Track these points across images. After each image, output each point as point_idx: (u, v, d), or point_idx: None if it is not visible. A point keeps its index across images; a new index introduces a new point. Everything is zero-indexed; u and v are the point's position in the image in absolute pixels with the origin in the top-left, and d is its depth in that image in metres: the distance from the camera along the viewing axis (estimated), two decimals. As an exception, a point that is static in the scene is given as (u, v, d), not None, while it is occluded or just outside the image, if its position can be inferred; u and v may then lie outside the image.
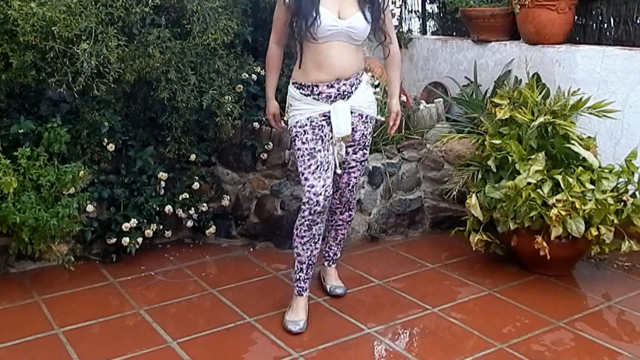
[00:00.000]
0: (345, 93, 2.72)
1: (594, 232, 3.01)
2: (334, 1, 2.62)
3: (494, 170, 3.30)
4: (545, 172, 3.08)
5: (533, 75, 3.75)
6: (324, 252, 3.15)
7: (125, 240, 3.33)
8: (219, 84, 3.30)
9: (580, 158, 3.16)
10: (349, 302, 3.05)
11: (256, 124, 3.53)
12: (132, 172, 3.42)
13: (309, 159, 2.70)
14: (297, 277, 2.83)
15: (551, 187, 3.04)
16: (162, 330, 2.78)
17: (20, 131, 3.05)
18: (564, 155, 3.20)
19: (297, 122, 2.72)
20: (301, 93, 2.72)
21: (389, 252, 3.65)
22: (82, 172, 3.09)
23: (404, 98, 4.01)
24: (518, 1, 3.86)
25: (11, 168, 2.88)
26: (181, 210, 3.53)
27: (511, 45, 4.10)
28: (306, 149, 2.71)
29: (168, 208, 3.48)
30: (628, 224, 3.11)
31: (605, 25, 3.86)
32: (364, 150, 2.86)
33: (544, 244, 3.03)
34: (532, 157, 3.14)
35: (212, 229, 3.66)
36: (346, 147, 2.79)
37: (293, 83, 2.76)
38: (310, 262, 2.81)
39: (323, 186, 2.70)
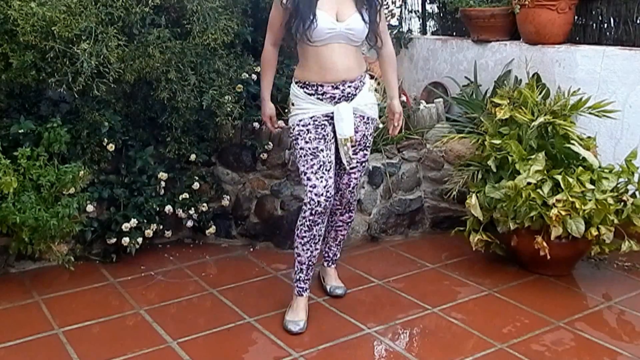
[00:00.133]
0: (349, 95, 2.72)
1: (594, 232, 3.01)
2: (332, 3, 2.62)
3: (494, 170, 3.30)
4: (545, 172, 3.08)
5: (533, 75, 3.75)
6: (323, 253, 3.15)
7: (125, 240, 3.33)
8: (219, 84, 3.30)
9: (580, 158, 3.16)
10: (349, 302, 3.05)
11: (256, 124, 3.53)
12: (132, 172, 3.42)
13: (311, 159, 2.70)
14: (297, 277, 2.83)
15: (551, 187, 3.04)
16: (162, 330, 2.78)
17: (20, 131, 3.05)
18: (564, 155, 3.20)
19: (300, 121, 2.72)
20: (305, 92, 2.72)
21: (389, 252, 3.65)
22: (82, 172, 3.09)
23: (404, 98, 4.01)
24: (518, 1, 3.86)
25: (11, 168, 2.88)
26: (181, 210, 3.53)
27: (511, 45, 4.10)
28: (309, 149, 2.70)
29: (168, 208, 3.48)
30: (628, 224, 3.11)
31: (605, 25, 3.86)
32: (365, 151, 2.86)
33: (544, 244, 3.03)
34: (532, 157, 3.14)
35: (212, 229, 3.66)
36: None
37: (297, 82, 2.76)
38: (310, 262, 2.81)
39: (325, 187, 2.69)
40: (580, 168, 3.11)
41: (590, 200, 2.99)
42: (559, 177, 3.03)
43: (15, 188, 2.86)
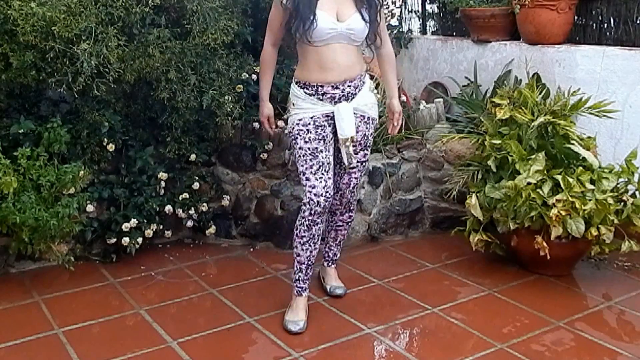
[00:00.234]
0: (349, 95, 2.72)
1: (594, 232, 3.01)
2: (332, 3, 2.62)
3: (494, 170, 3.30)
4: (545, 172, 3.08)
5: (533, 75, 3.75)
6: (323, 253, 3.15)
7: (125, 240, 3.33)
8: (219, 84, 3.30)
9: (580, 158, 3.16)
10: (349, 302, 3.05)
11: (256, 124, 3.53)
12: (132, 172, 3.42)
13: (311, 159, 2.70)
14: (297, 277, 2.83)
15: (551, 187, 3.04)
16: (162, 330, 2.78)
17: (20, 131, 3.05)
18: (564, 155, 3.20)
19: (300, 120, 2.72)
20: (305, 92, 2.72)
21: (389, 252, 3.65)
22: (82, 172, 3.09)
23: (404, 98, 4.01)
24: (518, 1, 3.86)
25: (11, 168, 2.88)
26: (181, 210, 3.53)
27: (511, 45, 4.10)
28: (308, 149, 2.70)
29: (168, 208, 3.48)
30: (628, 224, 3.11)
31: (605, 25, 3.86)
32: (365, 151, 2.86)
33: (544, 244, 3.03)
34: (532, 157, 3.14)
35: (212, 229, 3.66)
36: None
37: (297, 82, 2.76)
38: (309, 262, 2.81)
39: (324, 187, 2.69)
40: (580, 168, 3.11)
41: (590, 200, 2.99)
42: (559, 177, 3.03)
43: (15, 188, 2.86)
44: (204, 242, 3.74)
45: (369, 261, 3.52)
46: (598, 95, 3.55)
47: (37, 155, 3.03)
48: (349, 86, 2.71)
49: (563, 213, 2.94)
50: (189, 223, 3.59)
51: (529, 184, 3.03)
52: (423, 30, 5.23)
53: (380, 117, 3.21)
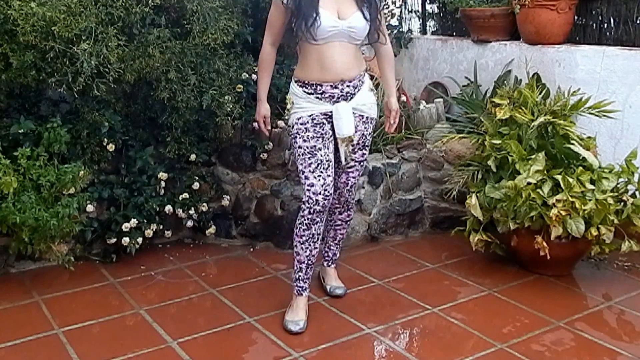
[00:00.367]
0: (348, 95, 2.72)
1: (594, 232, 3.01)
2: (333, 2, 2.62)
3: (494, 170, 3.30)
4: (545, 172, 3.08)
5: (533, 75, 3.75)
6: (323, 253, 3.15)
7: (125, 240, 3.33)
8: (219, 84, 3.29)
9: (580, 158, 3.16)
10: (349, 302, 3.05)
11: (256, 124, 3.52)
12: (132, 172, 3.42)
13: (309, 157, 2.70)
14: (297, 276, 2.83)
15: (551, 187, 3.04)
16: (162, 330, 2.78)
17: (20, 131, 3.05)
18: (564, 155, 3.20)
19: (298, 119, 2.72)
20: (304, 91, 2.72)
21: (389, 252, 3.65)
22: (82, 172, 3.08)
23: (404, 98, 4.01)
24: (518, 1, 3.86)
25: (11, 168, 2.88)
26: (181, 210, 3.53)
27: (511, 45, 4.10)
28: (307, 147, 2.70)
29: (168, 208, 3.48)
30: (628, 224, 3.11)
31: (605, 25, 3.86)
32: (363, 151, 2.86)
33: (544, 244, 3.03)
34: (532, 157, 3.14)
35: (212, 229, 3.66)
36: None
37: (296, 81, 2.76)
38: (309, 261, 2.81)
39: (323, 185, 2.69)
40: (580, 168, 3.11)
41: (590, 200, 2.99)
42: (559, 177, 3.03)
43: (15, 188, 2.86)
44: (204, 242, 3.74)
45: (369, 261, 3.52)
46: (598, 95, 3.55)
47: (37, 155, 3.03)
48: (348, 86, 2.71)
49: (563, 213, 2.94)
50: (189, 223, 3.59)
51: (529, 184, 3.03)
52: (423, 30, 5.23)
53: (380, 117, 3.22)
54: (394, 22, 5.17)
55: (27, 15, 2.76)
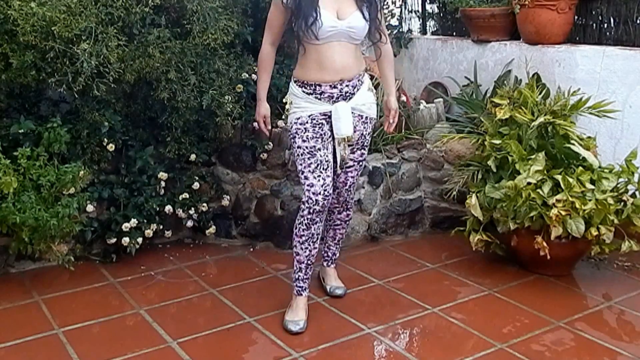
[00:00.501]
0: (347, 94, 2.72)
1: (594, 232, 3.01)
2: (332, 1, 2.62)
3: (494, 170, 3.30)
4: (545, 172, 3.08)
5: (533, 75, 3.75)
6: (323, 253, 3.15)
7: (125, 240, 3.33)
8: (219, 84, 3.30)
9: (580, 158, 3.16)
10: (349, 302, 3.05)
11: (256, 124, 3.53)
12: (132, 172, 3.42)
13: (309, 158, 2.70)
14: (297, 276, 2.83)
15: (551, 187, 3.04)
16: (162, 330, 2.78)
17: (20, 131, 3.05)
18: (564, 155, 3.20)
19: (297, 119, 2.72)
20: (303, 91, 2.72)
21: (389, 252, 3.65)
22: (82, 172, 3.09)
23: (404, 98, 4.01)
24: (518, 1, 3.86)
25: (11, 168, 2.88)
26: (181, 210, 3.53)
27: (511, 45, 4.10)
28: (306, 147, 2.70)
29: (168, 208, 3.48)
30: (628, 224, 3.11)
31: (605, 25, 3.86)
32: (362, 150, 2.86)
33: (544, 244, 3.03)
34: (532, 157, 3.14)
35: (212, 229, 3.66)
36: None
37: (295, 81, 2.76)
38: (309, 261, 2.81)
39: (322, 185, 2.69)
40: (580, 168, 3.11)
41: (590, 200, 2.99)
42: (559, 177, 3.03)
43: (15, 188, 2.86)
44: (204, 242, 3.74)
45: (369, 261, 3.52)
46: (598, 95, 3.55)
47: (37, 155, 3.03)
48: (347, 86, 2.71)
49: (563, 213, 2.94)
50: (189, 223, 3.59)
51: (529, 184, 3.03)
52: (423, 30, 5.23)
53: (380, 116, 3.22)
54: (394, 22, 5.17)
55: (27, 15, 2.76)
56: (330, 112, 2.71)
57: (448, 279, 3.31)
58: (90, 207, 3.27)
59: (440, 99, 4.16)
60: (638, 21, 3.70)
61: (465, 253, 3.52)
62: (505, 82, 4.00)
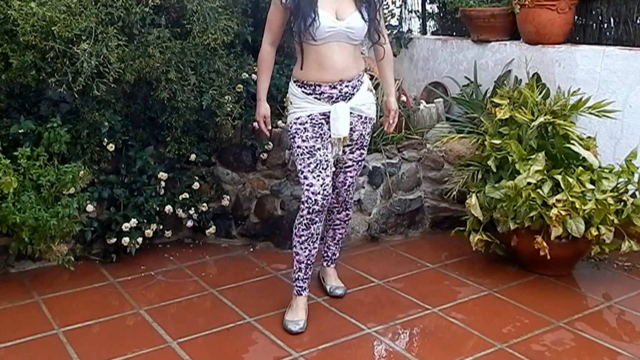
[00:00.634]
0: (347, 95, 2.72)
1: (594, 232, 3.01)
2: (331, 2, 2.62)
3: (494, 170, 3.30)
4: (545, 172, 3.08)
5: (533, 75, 3.75)
6: (322, 253, 3.15)
7: (125, 240, 3.33)
8: (219, 84, 3.30)
9: (580, 158, 3.16)
10: (349, 302, 3.05)
11: (256, 124, 3.52)
12: (132, 172, 3.43)
13: (308, 157, 2.70)
14: (296, 276, 2.84)
15: (551, 187, 3.04)
16: (162, 330, 2.78)
17: (20, 131, 3.05)
18: (564, 155, 3.20)
19: (297, 119, 2.72)
20: (303, 92, 2.72)
21: (389, 252, 3.65)
22: (82, 172, 3.09)
23: (404, 98, 4.01)
24: (518, 1, 3.86)
25: (11, 168, 2.88)
26: (181, 210, 3.53)
27: (511, 45, 4.10)
28: (306, 147, 2.70)
29: (168, 208, 3.48)
30: (628, 224, 3.11)
31: (605, 25, 3.86)
32: (362, 150, 2.86)
33: (544, 244, 3.03)
34: (532, 157, 3.14)
35: (212, 229, 3.66)
36: (344, 147, 2.80)
37: (295, 81, 2.76)
38: (308, 261, 2.81)
39: (322, 185, 2.69)
40: (580, 168, 3.11)
41: (590, 200, 2.99)
42: (559, 177, 3.03)
43: (15, 188, 2.86)
44: (204, 242, 3.74)
45: (369, 261, 3.52)
46: (598, 95, 3.55)
47: (37, 155, 3.03)
48: (346, 86, 2.71)
49: (563, 213, 2.94)
50: (189, 223, 3.59)
51: (529, 184, 3.03)
52: (423, 30, 5.23)
53: (380, 117, 3.22)
54: (394, 22, 5.17)
55: (27, 15, 2.76)
56: (330, 112, 2.71)
57: (448, 279, 3.31)
58: (90, 207, 3.27)
59: (440, 99, 4.16)
60: (638, 21, 3.70)
61: (465, 253, 3.52)
62: (505, 82, 4.00)
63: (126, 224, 3.32)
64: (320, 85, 2.69)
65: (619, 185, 3.12)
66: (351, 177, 2.90)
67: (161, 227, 3.52)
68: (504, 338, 2.71)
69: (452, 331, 2.79)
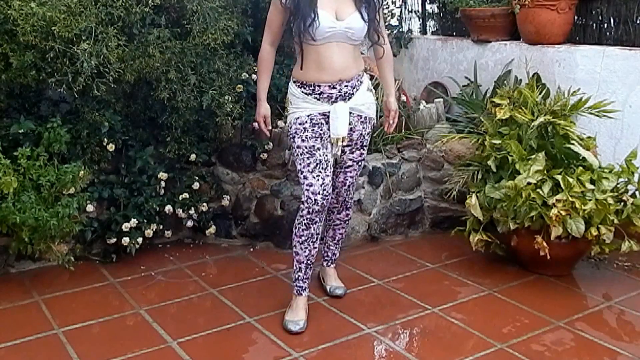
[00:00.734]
0: (347, 95, 2.72)
1: (594, 232, 3.01)
2: (331, 2, 2.62)
3: (494, 170, 3.30)
4: (545, 172, 3.08)
5: (533, 75, 3.75)
6: (322, 253, 3.15)
7: (125, 240, 3.33)
8: (219, 84, 3.30)
9: (580, 158, 3.16)
10: (349, 302, 3.05)
11: (256, 124, 3.52)
12: (132, 172, 3.43)
13: (308, 157, 2.70)
14: (296, 276, 2.84)
15: (551, 187, 3.04)
16: (162, 330, 2.78)
17: (20, 131, 3.05)
18: (564, 155, 3.20)
19: (297, 119, 2.72)
20: (302, 92, 2.72)
21: (389, 252, 3.65)
22: (82, 172, 3.09)
23: (404, 98, 4.01)
24: (518, 1, 3.86)
25: (11, 168, 2.88)
26: (181, 210, 3.53)
27: (511, 45, 4.10)
28: (305, 147, 2.70)
29: (168, 208, 3.48)
30: (628, 224, 3.11)
31: (605, 25, 3.86)
32: (361, 150, 2.86)
33: (544, 244, 3.03)
34: (532, 157, 3.14)
35: (212, 229, 3.66)
36: (343, 147, 2.80)
37: (294, 81, 2.76)
38: (308, 261, 2.81)
39: (322, 185, 2.69)
40: (580, 168, 3.11)
41: (590, 200, 2.99)
42: (559, 177, 3.03)
43: (15, 188, 2.86)
44: (204, 242, 3.74)
45: (369, 261, 3.52)
46: (598, 95, 3.55)
47: (37, 155, 3.03)
48: (346, 86, 2.71)
49: (563, 213, 2.94)
50: (189, 223, 3.59)
51: (529, 184, 3.03)
52: (423, 30, 5.23)
53: (380, 117, 3.22)
54: (394, 22, 5.17)
55: (27, 15, 2.76)
56: (329, 111, 2.71)
57: (448, 279, 3.31)
58: (90, 207, 3.27)
59: (440, 99, 4.16)
60: (638, 21, 3.70)
61: (465, 253, 3.52)
62: (505, 82, 4.00)
63: (126, 224, 3.32)
64: (319, 86, 2.69)
65: (619, 185, 3.12)
66: (351, 177, 2.90)
67: (161, 227, 3.52)
68: (504, 338, 2.72)
69: (452, 331, 2.79)
